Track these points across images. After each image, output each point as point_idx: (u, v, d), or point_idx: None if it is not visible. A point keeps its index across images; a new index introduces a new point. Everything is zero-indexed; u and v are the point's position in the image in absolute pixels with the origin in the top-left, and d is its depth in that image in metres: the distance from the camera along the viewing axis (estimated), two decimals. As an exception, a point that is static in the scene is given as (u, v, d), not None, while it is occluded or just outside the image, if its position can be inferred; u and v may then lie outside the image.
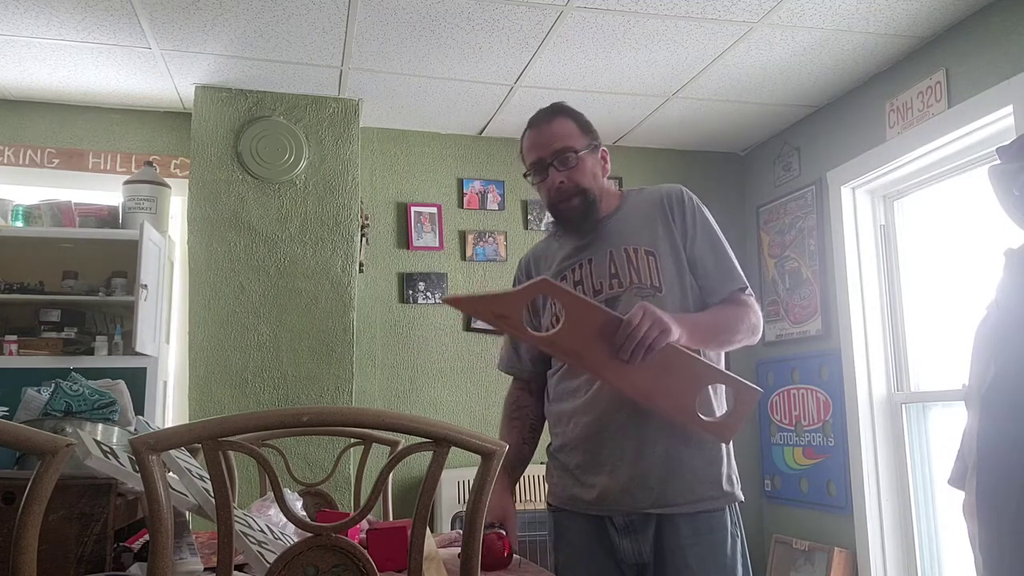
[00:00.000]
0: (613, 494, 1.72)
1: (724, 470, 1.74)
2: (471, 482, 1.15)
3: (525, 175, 1.87)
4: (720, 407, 1.75)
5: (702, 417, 1.66)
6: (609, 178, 1.90)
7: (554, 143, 1.79)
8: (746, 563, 1.74)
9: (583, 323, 1.57)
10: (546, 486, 1.93)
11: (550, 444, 1.90)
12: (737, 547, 1.72)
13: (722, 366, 1.77)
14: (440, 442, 1.08)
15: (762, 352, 4.11)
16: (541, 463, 1.97)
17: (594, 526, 1.76)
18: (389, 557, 1.41)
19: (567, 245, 1.88)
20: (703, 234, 1.80)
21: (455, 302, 1.63)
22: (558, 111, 1.84)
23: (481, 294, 1.70)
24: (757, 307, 1.80)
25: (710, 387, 1.73)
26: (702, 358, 1.68)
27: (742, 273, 1.81)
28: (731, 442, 1.77)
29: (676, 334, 1.57)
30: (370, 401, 3.79)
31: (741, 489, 1.78)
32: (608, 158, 1.89)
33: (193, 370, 3.38)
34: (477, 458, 1.11)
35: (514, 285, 2.03)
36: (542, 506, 3.62)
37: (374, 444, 2.35)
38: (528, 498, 3.63)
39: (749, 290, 1.80)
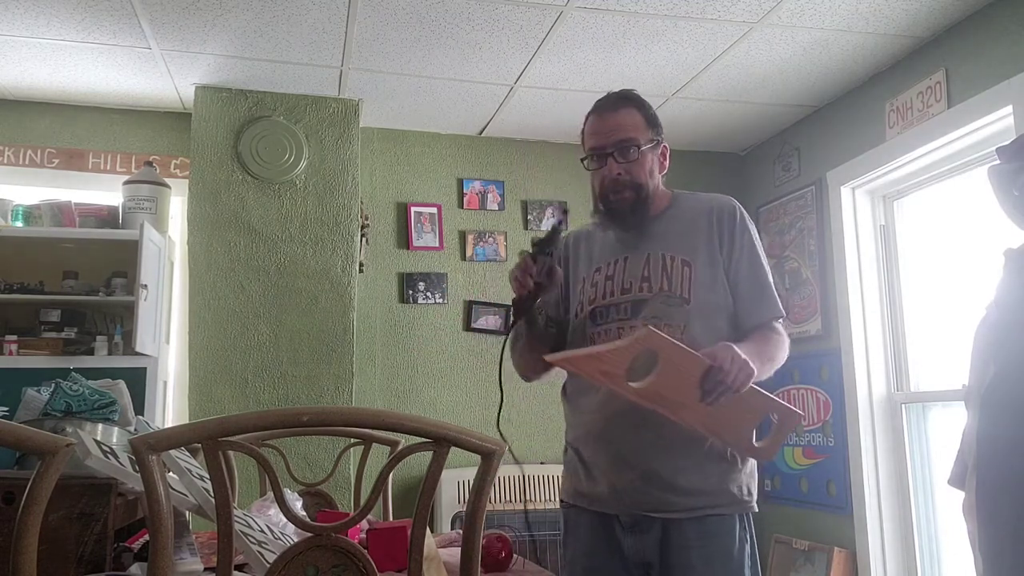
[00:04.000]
0: (619, 494, 1.73)
1: (735, 479, 1.72)
2: (471, 482, 1.15)
3: (583, 160, 1.83)
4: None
5: (754, 444, 1.68)
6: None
7: (617, 133, 1.76)
8: (755, 567, 1.72)
9: (678, 370, 1.56)
10: (558, 483, 1.94)
11: (566, 444, 1.91)
12: (745, 552, 1.71)
13: None
14: (440, 442, 1.08)
15: (762, 352, 4.10)
16: (541, 463, 1.97)
17: (602, 523, 1.76)
18: (389, 557, 1.41)
19: (610, 236, 1.86)
20: (748, 256, 1.77)
21: (561, 362, 1.60)
22: (627, 99, 1.80)
23: (585, 352, 1.66)
24: (786, 337, 1.79)
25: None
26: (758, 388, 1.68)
27: (779, 300, 1.79)
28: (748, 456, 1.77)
29: (756, 374, 1.57)
30: (370, 401, 3.79)
31: (756, 499, 1.77)
32: (668, 155, 1.85)
33: (193, 370, 3.38)
34: (477, 458, 1.11)
35: (557, 261, 1.99)
36: (545, 506, 3.63)
37: (374, 444, 2.35)
38: (532, 498, 3.63)
39: (784, 317, 1.80)
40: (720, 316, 1.74)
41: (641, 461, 1.71)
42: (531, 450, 3.71)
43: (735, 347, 1.55)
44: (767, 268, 1.79)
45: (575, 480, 1.83)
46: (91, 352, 3.27)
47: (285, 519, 1.28)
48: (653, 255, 1.77)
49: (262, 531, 1.39)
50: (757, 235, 1.81)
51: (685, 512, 1.68)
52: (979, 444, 1.56)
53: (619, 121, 1.76)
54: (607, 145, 1.76)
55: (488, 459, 1.10)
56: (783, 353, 1.76)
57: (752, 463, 1.77)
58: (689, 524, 1.68)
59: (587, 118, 1.84)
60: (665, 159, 1.84)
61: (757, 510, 1.76)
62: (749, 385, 1.56)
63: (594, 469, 1.77)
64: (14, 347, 3.18)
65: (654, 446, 1.70)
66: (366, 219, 3.74)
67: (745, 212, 1.82)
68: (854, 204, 3.64)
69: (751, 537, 1.73)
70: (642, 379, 1.58)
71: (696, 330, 1.69)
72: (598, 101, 1.83)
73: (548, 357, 1.60)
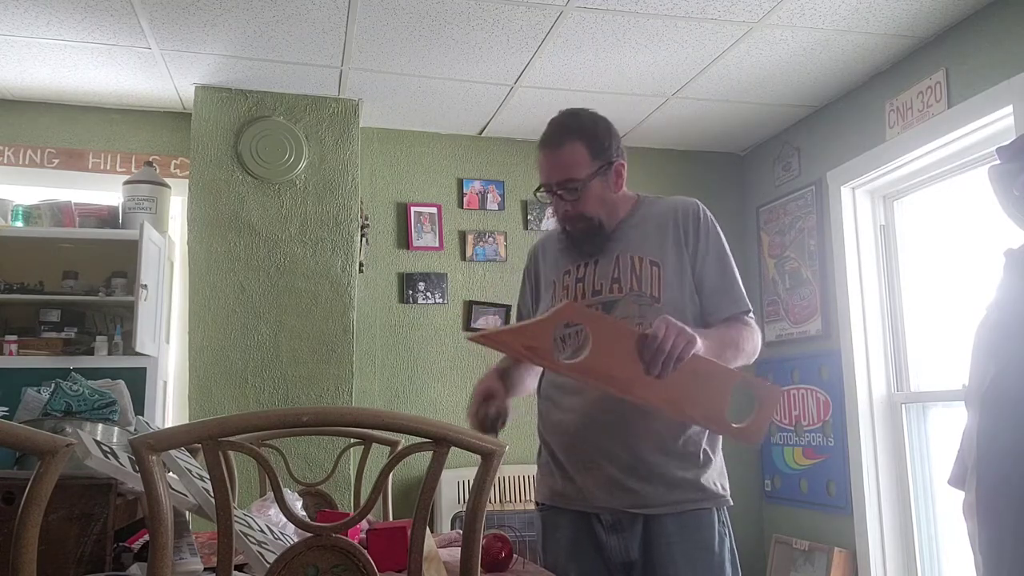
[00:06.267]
0: (597, 492, 1.74)
1: (708, 474, 1.75)
2: (471, 482, 1.15)
3: (535, 191, 1.86)
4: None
5: (732, 424, 1.68)
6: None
7: (560, 173, 1.77)
8: (734, 560, 1.75)
9: (611, 343, 1.57)
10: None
11: (540, 445, 1.92)
12: (725, 545, 1.74)
13: None
14: (440, 442, 1.07)
15: (762, 352, 4.07)
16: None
17: (582, 524, 1.77)
18: (389, 557, 1.41)
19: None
20: (714, 254, 1.79)
21: (482, 339, 1.59)
22: (569, 133, 1.78)
23: (507, 327, 1.67)
24: (758, 330, 1.80)
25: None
26: (724, 364, 1.68)
27: (746, 296, 1.81)
28: (719, 448, 1.80)
29: (700, 344, 1.58)
30: (370, 401, 3.79)
31: (738, 491, 1.80)
32: (624, 171, 1.84)
33: (193, 370, 3.38)
34: (477, 458, 1.11)
35: (524, 270, 2.03)
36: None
37: (374, 444, 2.35)
38: (528, 499, 3.63)
39: (752, 313, 1.81)
40: (689, 315, 1.76)
41: (618, 458, 1.72)
42: (530, 450, 3.71)
43: (672, 318, 1.57)
44: (733, 265, 1.81)
45: (551, 480, 1.84)
46: (91, 352, 3.27)
47: (285, 519, 1.28)
48: (622, 256, 1.79)
49: (262, 531, 1.39)
50: (722, 234, 1.83)
51: (665, 507, 1.70)
52: (979, 444, 1.56)
53: (562, 160, 1.77)
54: (552, 184, 1.78)
55: (488, 459, 1.10)
56: (751, 344, 1.76)
57: (720, 460, 1.79)
58: (670, 519, 1.70)
59: (539, 143, 1.83)
60: (620, 177, 1.83)
61: (732, 504, 1.79)
62: (696, 354, 1.56)
63: (571, 469, 1.78)
64: (14, 347, 3.18)
65: (631, 443, 1.72)
66: (366, 219, 3.74)
67: (708, 212, 1.84)
68: (854, 204, 3.64)
69: (730, 532, 1.76)
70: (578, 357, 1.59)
71: None
72: (545, 132, 1.82)
73: (469, 336, 1.60)
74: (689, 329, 1.56)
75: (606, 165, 1.79)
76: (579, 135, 1.77)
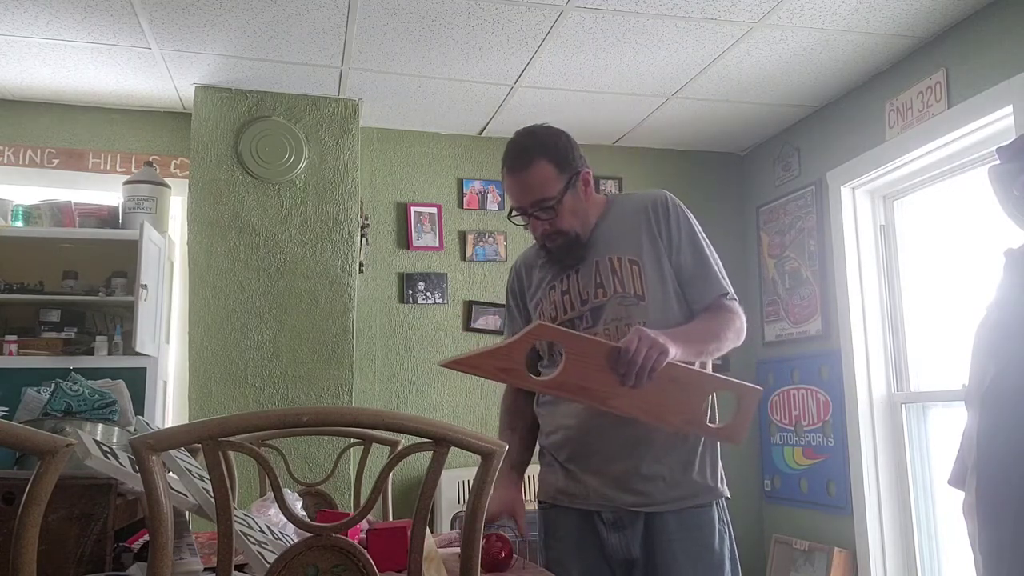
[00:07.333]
0: (599, 491, 1.75)
1: (706, 470, 1.77)
2: (471, 482, 1.15)
3: (509, 214, 1.87)
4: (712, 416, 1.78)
5: (711, 425, 1.70)
6: (609, 178, 1.91)
7: (531, 194, 1.78)
8: (734, 558, 1.77)
9: (585, 359, 1.60)
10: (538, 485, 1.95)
11: (542, 443, 1.93)
12: (725, 542, 1.75)
13: (709, 369, 1.82)
14: (440, 442, 1.07)
15: (762, 352, 4.11)
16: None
17: (584, 522, 1.79)
18: (389, 557, 1.41)
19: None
20: (687, 242, 1.81)
21: (455, 365, 1.60)
22: (532, 153, 1.78)
23: (479, 351, 1.69)
24: (740, 311, 1.81)
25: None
26: (700, 369, 1.71)
27: (724, 278, 1.82)
28: (717, 444, 1.81)
29: (673, 352, 1.59)
30: (370, 401, 3.79)
31: (738, 491, 1.81)
32: (591, 179, 1.86)
33: (193, 370, 3.38)
34: (477, 458, 1.11)
35: (507, 291, 2.05)
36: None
37: (374, 444, 2.35)
38: (528, 498, 3.63)
39: (732, 295, 1.82)
40: (674, 306, 1.78)
41: (620, 458, 1.74)
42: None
43: (644, 328, 1.60)
44: (708, 250, 1.82)
45: (555, 479, 1.85)
46: (91, 352, 3.27)
47: (285, 519, 1.28)
48: (601, 261, 1.81)
49: (262, 531, 1.39)
50: (694, 221, 1.84)
51: (666, 505, 1.72)
52: (979, 444, 1.56)
53: (530, 181, 1.77)
54: (525, 206, 1.80)
55: (488, 459, 1.10)
56: (732, 330, 1.76)
57: (717, 456, 1.81)
58: (671, 517, 1.72)
59: (502, 170, 1.84)
60: (588, 185, 1.84)
61: (729, 496, 1.80)
62: (669, 362, 1.58)
63: (573, 469, 1.80)
64: (14, 347, 3.18)
65: (631, 446, 1.73)
66: (366, 219, 3.74)
67: (678, 201, 1.85)
68: (854, 204, 3.64)
69: (729, 527, 1.78)
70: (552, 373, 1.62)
71: (655, 324, 1.71)
72: (507, 156, 1.82)
73: (441, 362, 1.61)
74: (662, 337, 1.58)
75: (574, 176, 1.81)
76: (543, 153, 1.79)
